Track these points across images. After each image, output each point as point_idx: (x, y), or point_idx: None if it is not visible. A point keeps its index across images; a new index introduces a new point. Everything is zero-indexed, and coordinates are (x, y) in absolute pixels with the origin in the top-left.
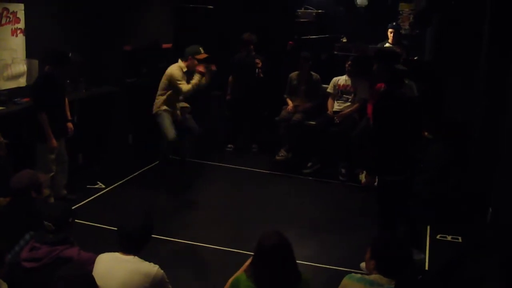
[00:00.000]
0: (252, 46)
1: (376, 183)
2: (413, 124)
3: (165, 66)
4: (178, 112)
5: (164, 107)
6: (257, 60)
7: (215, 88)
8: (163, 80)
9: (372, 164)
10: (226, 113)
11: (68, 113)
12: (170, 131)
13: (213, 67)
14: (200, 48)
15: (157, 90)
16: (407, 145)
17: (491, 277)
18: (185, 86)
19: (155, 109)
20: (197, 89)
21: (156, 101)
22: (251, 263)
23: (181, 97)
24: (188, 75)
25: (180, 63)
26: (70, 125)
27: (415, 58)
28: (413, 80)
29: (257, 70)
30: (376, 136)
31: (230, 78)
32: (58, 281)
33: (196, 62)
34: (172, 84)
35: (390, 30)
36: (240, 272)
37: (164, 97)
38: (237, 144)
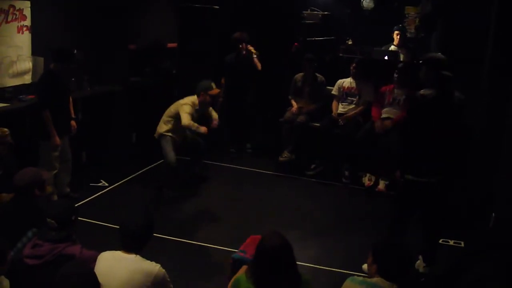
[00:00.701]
0: (243, 45)
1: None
2: (448, 129)
3: (169, 66)
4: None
5: (169, 134)
6: (249, 46)
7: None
8: (171, 109)
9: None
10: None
11: (72, 111)
12: (171, 155)
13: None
14: (212, 84)
15: (160, 89)
16: (439, 149)
17: (491, 280)
18: (187, 120)
19: (157, 133)
20: (192, 131)
21: (160, 126)
22: (251, 264)
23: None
24: (198, 110)
25: (194, 98)
26: (73, 123)
27: (420, 61)
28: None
29: (254, 55)
30: (408, 136)
31: (222, 80)
32: (60, 279)
33: (208, 98)
34: (179, 114)
35: (396, 32)
36: (240, 273)
37: (170, 125)
38: (236, 145)
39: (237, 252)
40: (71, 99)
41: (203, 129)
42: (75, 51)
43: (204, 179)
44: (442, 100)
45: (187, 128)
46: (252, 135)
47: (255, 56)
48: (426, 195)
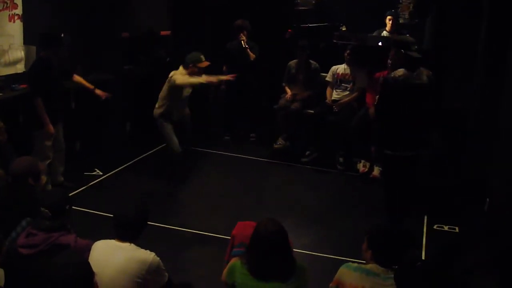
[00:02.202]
0: (245, 32)
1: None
2: (422, 108)
3: (163, 54)
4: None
5: (166, 117)
6: (241, 36)
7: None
8: (163, 88)
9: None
10: (222, 102)
11: (87, 84)
12: (174, 143)
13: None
14: (201, 56)
15: (154, 77)
16: (416, 125)
17: (484, 266)
18: (185, 80)
19: (155, 115)
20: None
21: (156, 108)
22: (247, 250)
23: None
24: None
25: (182, 70)
26: (98, 91)
27: (415, 47)
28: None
29: (242, 43)
30: (384, 114)
31: (224, 67)
32: (55, 268)
33: (196, 70)
34: (172, 87)
35: (388, 17)
36: (236, 260)
37: (165, 106)
38: (235, 134)
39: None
40: (78, 77)
41: (211, 78)
42: (62, 34)
43: (198, 167)
44: (411, 79)
45: (190, 85)
46: (254, 123)
47: (246, 46)
48: (402, 168)
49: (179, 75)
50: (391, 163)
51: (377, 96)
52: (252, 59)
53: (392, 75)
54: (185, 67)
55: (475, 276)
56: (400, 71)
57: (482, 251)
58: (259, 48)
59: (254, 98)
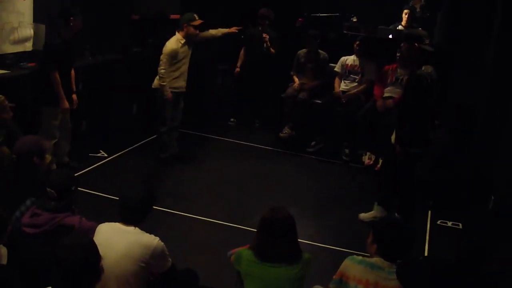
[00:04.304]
0: (267, 22)
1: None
2: (427, 104)
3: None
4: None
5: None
6: (264, 35)
7: (222, 62)
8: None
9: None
10: (232, 86)
11: (73, 85)
12: (167, 116)
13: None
14: (195, 15)
15: None
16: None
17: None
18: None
19: (154, 86)
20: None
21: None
22: (255, 236)
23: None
24: (188, 46)
25: (177, 35)
26: (74, 97)
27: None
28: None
29: (265, 44)
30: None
31: (242, 51)
32: (62, 249)
33: (192, 29)
34: (166, 57)
35: (405, 11)
36: (243, 247)
37: (162, 78)
38: (240, 119)
39: None
40: (73, 73)
41: (168, 95)
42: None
43: (202, 153)
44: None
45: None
46: (259, 110)
47: (266, 44)
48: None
49: (173, 46)
50: (414, 161)
51: (401, 93)
52: (273, 53)
53: (424, 71)
54: (180, 30)
55: (505, 278)
56: (429, 67)
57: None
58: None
59: (264, 85)
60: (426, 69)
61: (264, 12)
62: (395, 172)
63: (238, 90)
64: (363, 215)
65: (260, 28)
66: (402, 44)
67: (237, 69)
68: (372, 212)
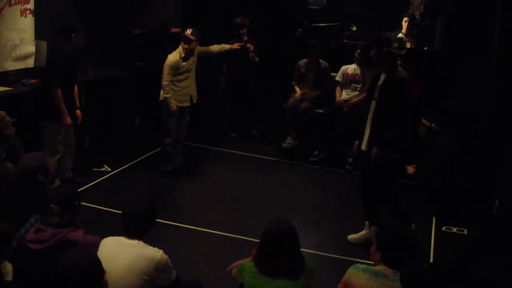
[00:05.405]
0: (245, 30)
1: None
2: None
3: (173, 51)
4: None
5: (171, 101)
6: (248, 45)
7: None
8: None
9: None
10: (223, 100)
11: (77, 101)
12: (172, 129)
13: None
14: (188, 29)
15: None
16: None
17: (502, 273)
18: (163, 81)
19: (161, 98)
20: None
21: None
22: (257, 249)
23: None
24: (189, 59)
25: (179, 47)
26: (78, 112)
27: (425, 48)
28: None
29: (250, 55)
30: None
31: (224, 66)
32: (66, 264)
33: (182, 42)
34: (167, 68)
35: (405, 19)
36: (246, 259)
37: (167, 90)
38: (240, 131)
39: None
40: (76, 88)
41: (173, 107)
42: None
43: (206, 165)
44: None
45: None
46: (257, 121)
47: (251, 54)
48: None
49: (167, 67)
50: (391, 167)
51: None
52: (256, 62)
53: (404, 75)
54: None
55: (495, 283)
56: (403, 71)
57: (499, 257)
58: (270, 46)
59: (253, 96)
60: (402, 72)
61: (239, 21)
62: (372, 184)
63: (231, 103)
64: (351, 237)
65: (237, 39)
66: (403, 52)
67: (222, 85)
68: (363, 232)
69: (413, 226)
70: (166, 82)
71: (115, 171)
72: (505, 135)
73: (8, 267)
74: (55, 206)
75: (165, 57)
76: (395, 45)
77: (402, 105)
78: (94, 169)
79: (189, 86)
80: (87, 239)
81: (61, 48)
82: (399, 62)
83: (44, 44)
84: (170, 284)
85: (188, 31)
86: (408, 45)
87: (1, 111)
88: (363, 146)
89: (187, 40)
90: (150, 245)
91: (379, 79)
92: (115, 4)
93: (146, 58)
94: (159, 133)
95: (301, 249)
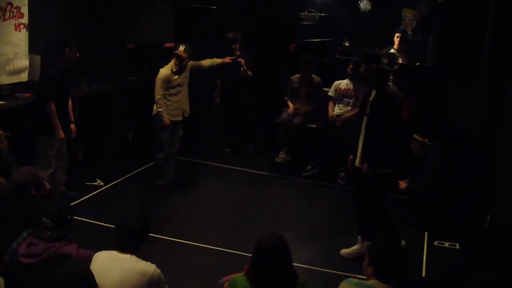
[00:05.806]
0: (237, 45)
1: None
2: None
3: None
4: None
5: (163, 115)
6: (239, 59)
7: (216, 90)
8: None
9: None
10: (218, 115)
11: (71, 115)
12: (164, 143)
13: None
14: (181, 46)
15: None
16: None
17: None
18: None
19: (154, 112)
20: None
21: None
22: (249, 263)
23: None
24: (181, 74)
25: (171, 62)
26: (73, 126)
27: (417, 64)
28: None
29: (242, 69)
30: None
31: (218, 81)
32: (58, 278)
33: (174, 58)
34: (159, 82)
35: (397, 34)
36: (238, 274)
37: (159, 104)
38: (234, 146)
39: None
40: (70, 102)
41: (166, 121)
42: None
43: (199, 179)
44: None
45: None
46: (252, 136)
47: (243, 68)
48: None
49: (159, 81)
50: (382, 182)
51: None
52: (249, 76)
53: (394, 91)
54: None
55: None
56: (393, 87)
57: (489, 270)
58: (262, 61)
59: (248, 111)
60: (393, 88)
61: (231, 36)
62: (364, 199)
63: (225, 118)
64: (344, 251)
65: (237, 53)
66: (395, 68)
67: (217, 100)
68: (355, 247)
69: (403, 242)
70: (158, 96)
71: (108, 185)
72: (496, 149)
73: (0, 281)
74: (48, 220)
75: (158, 72)
76: (385, 61)
77: (393, 121)
78: (87, 183)
79: (181, 101)
80: (80, 253)
81: (55, 62)
82: (391, 77)
83: (38, 58)
84: None
85: (181, 48)
86: (400, 60)
87: None
88: (357, 162)
89: (179, 58)
90: (143, 259)
91: (370, 94)
92: (109, 18)
93: (140, 72)
94: (152, 147)
95: (294, 264)
